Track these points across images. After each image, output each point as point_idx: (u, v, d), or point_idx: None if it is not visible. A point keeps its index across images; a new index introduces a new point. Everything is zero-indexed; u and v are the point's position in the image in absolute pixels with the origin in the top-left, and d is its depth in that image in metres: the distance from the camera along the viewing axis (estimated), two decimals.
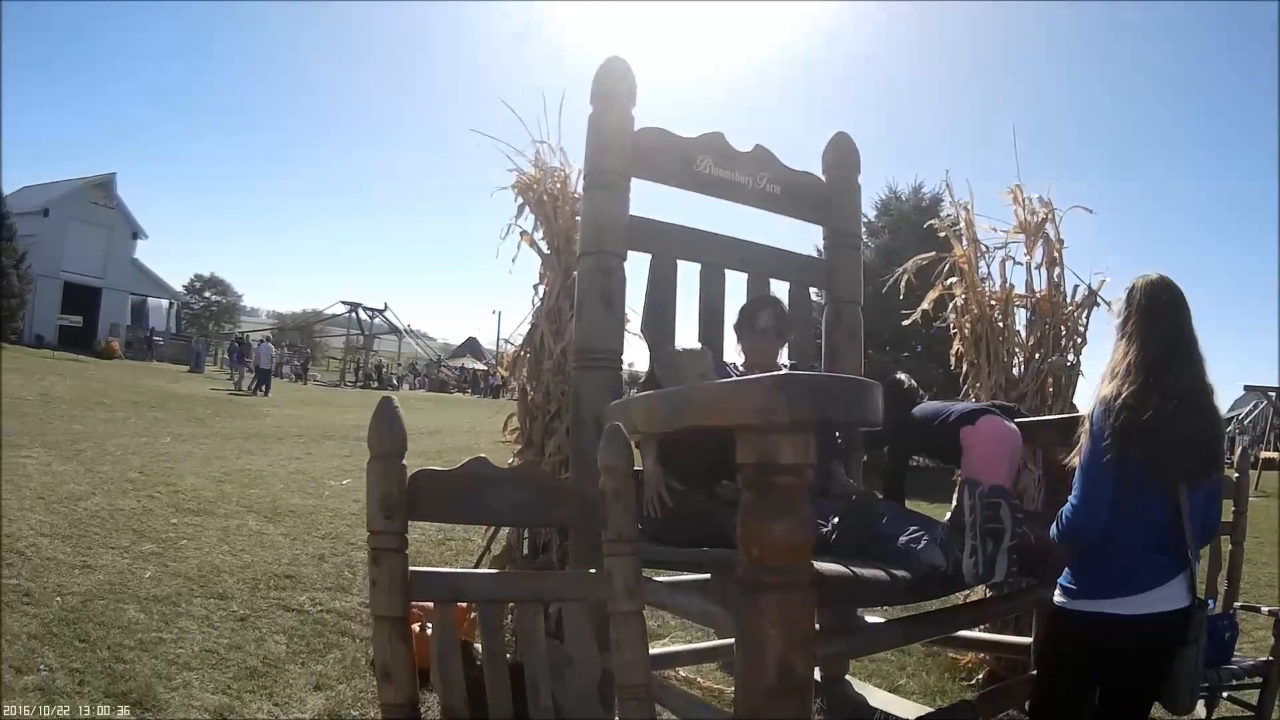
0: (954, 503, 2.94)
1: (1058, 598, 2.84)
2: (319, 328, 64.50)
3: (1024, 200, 5.54)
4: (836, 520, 3.15)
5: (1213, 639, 3.25)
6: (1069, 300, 5.49)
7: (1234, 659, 3.66)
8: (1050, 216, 5.49)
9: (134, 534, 7.03)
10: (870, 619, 3.93)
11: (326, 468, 11.79)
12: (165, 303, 44.05)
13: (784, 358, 4.00)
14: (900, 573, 2.86)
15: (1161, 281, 2.93)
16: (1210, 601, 2.91)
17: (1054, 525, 2.87)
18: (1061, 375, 5.34)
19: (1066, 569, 2.85)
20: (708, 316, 4.15)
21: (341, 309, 55.41)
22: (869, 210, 24.41)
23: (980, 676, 5.04)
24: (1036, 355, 5.35)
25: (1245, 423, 35.06)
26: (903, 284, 5.67)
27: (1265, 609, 4.42)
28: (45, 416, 13.78)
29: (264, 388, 28.54)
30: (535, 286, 4.81)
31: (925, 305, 5.77)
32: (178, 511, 8.08)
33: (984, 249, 5.55)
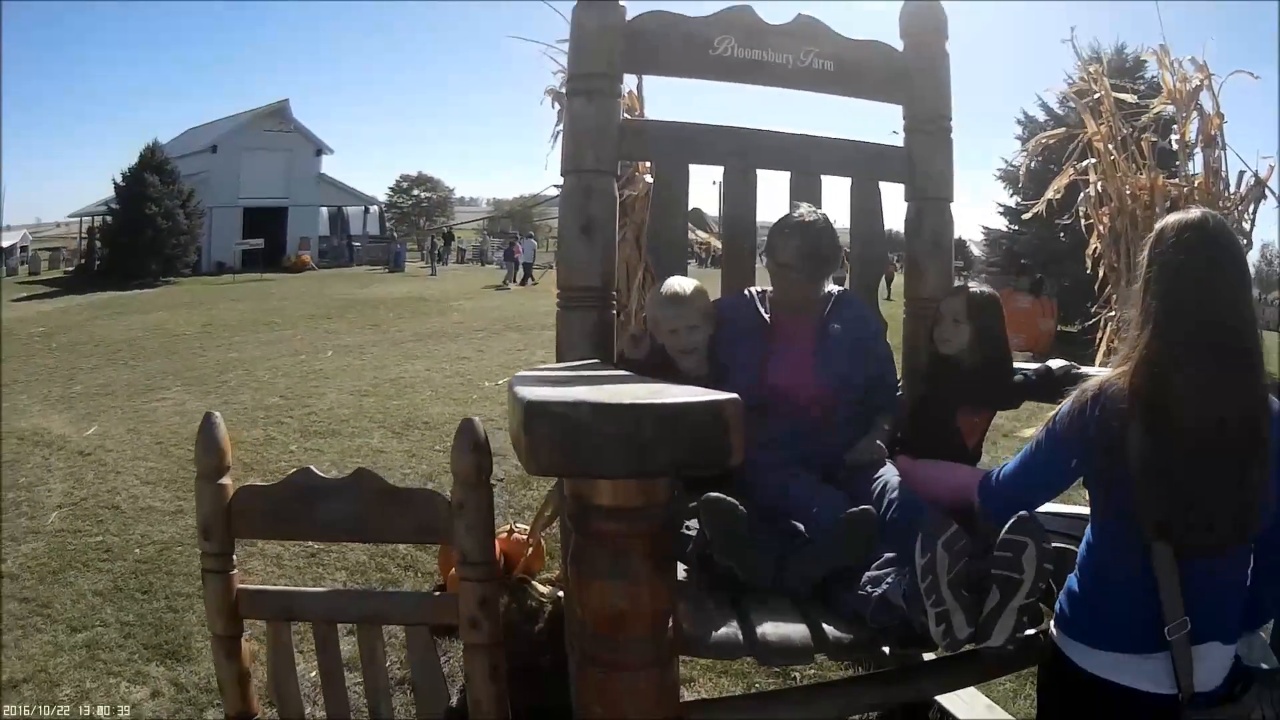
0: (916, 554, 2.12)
1: (1053, 625, 2.14)
2: (538, 211, 64.89)
3: (1171, 64, 4.51)
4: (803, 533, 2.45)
5: None
6: (1231, 190, 4.47)
7: None
8: (1207, 84, 4.45)
9: (243, 468, 6.82)
10: None
11: (492, 366, 11.58)
12: (360, 208, 45.03)
13: (832, 284, 3.20)
14: (838, 634, 2.14)
15: (1205, 225, 2.02)
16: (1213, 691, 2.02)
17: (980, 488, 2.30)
18: None
19: (1069, 578, 2.13)
20: (733, 231, 3.47)
21: (555, 191, 55.42)
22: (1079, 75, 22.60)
23: None
24: None
25: None
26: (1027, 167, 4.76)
27: None
28: (199, 349, 13.80)
29: (530, 279, 30.88)
30: None
31: (1051, 193, 4.80)
32: (304, 435, 8.02)
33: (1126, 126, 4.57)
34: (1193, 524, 1.90)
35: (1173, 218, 2.10)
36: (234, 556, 2.10)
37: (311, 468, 2.10)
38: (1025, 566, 1.99)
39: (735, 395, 1.62)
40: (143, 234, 30.81)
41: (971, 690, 3.28)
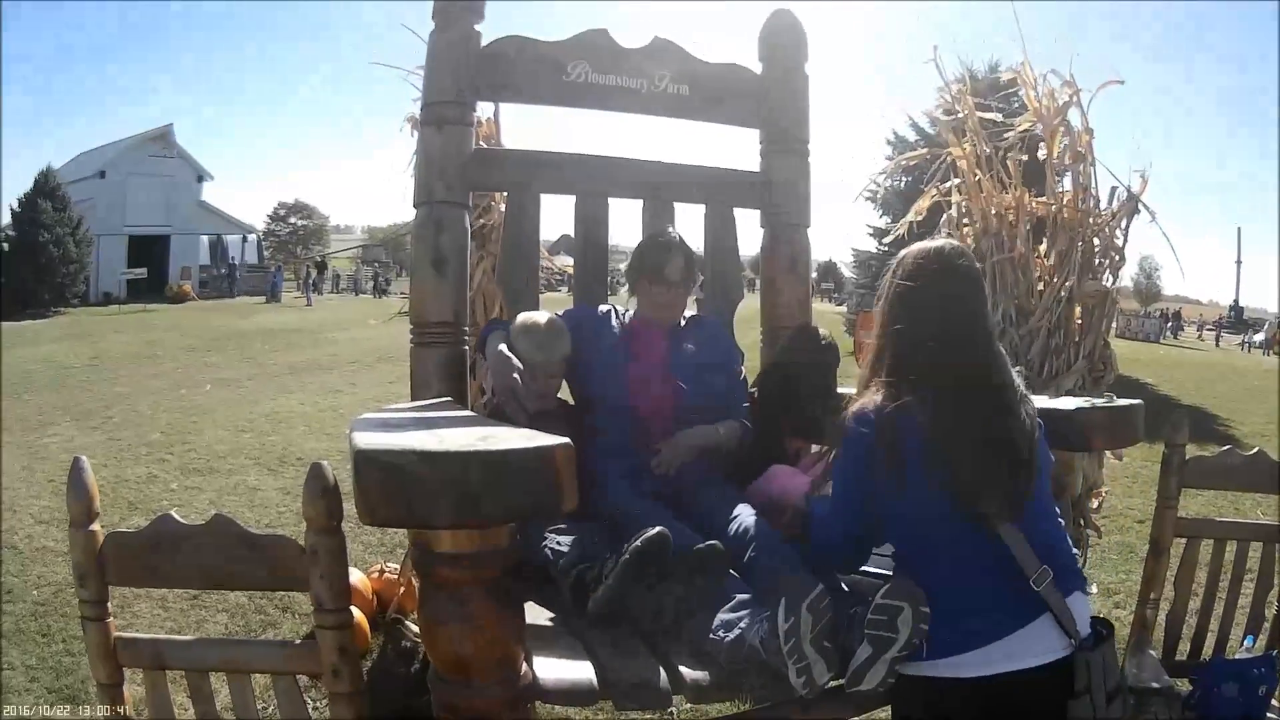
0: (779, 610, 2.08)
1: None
2: (408, 239, 64.47)
3: (1033, 80, 4.62)
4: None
5: (1245, 689, 2.61)
6: (1102, 207, 4.57)
7: (1270, 718, 2.72)
8: (1076, 99, 4.55)
9: (128, 507, 6.81)
10: None
11: (364, 399, 11.57)
12: (239, 237, 44.33)
13: (691, 307, 3.28)
14: (696, 676, 2.12)
15: (942, 252, 2.23)
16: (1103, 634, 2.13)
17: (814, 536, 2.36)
18: (1093, 304, 4.46)
19: None
20: (585, 261, 3.47)
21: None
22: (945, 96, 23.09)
23: None
24: (1056, 277, 4.45)
25: None
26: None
27: None
28: (87, 382, 13.56)
29: None
30: None
31: (912, 215, 4.88)
32: (184, 473, 7.93)
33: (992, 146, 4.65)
34: (996, 494, 2.04)
35: (915, 246, 2.27)
36: (109, 604, 2.06)
37: (172, 514, 2.05)
38: (900, 628, 1.99)
39: (567, 440, 1.61)
40: (35, 262, 30.19)
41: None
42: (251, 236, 46.12)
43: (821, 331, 3.22)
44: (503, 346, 2.83)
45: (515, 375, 2.74)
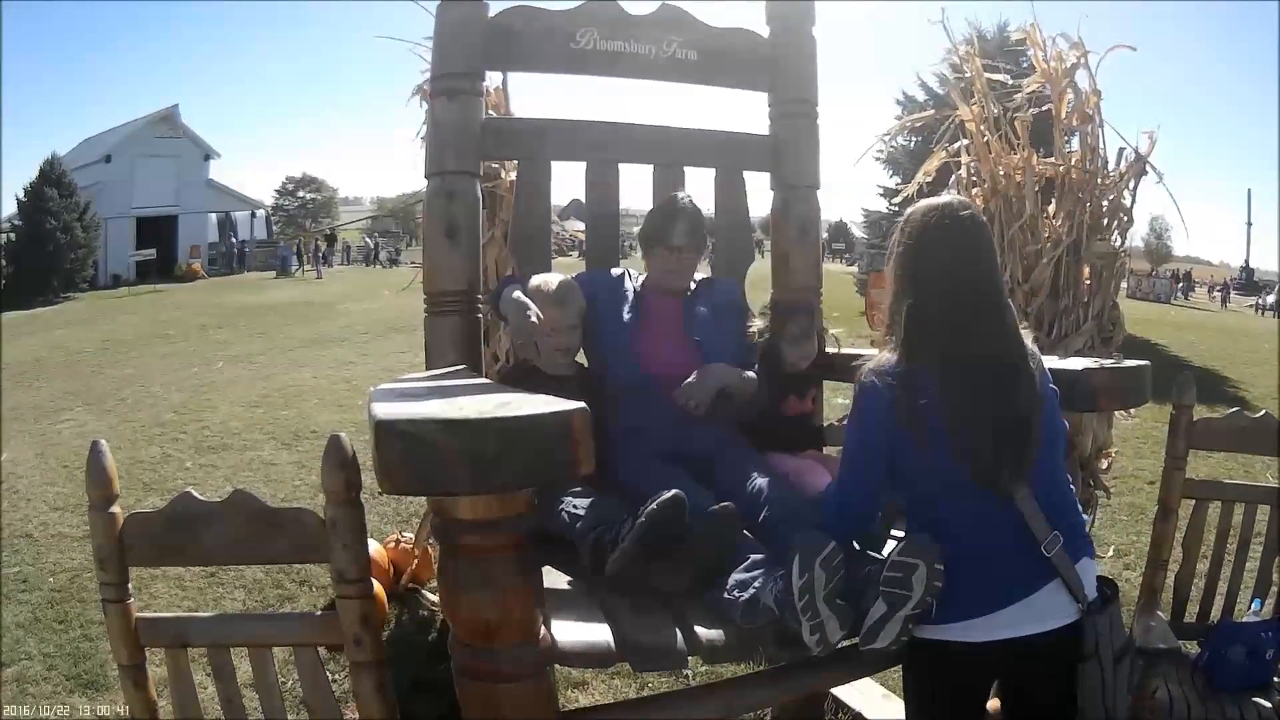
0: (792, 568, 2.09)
1: (918, 625, 2.16)
2: (418, 208, 64.17)
3: (1043, 42, 4.58)
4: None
5: (1252, 653, 2.61)
6: (1111, 168, 4.54)
7: (1276, 681, 2.71)
8: (1083, 61, 4.52)
9: (143, 488, 6.86)
10: None
11: (377, 369, 11.74)
12: (248, 213, 44.44)
13: (704, 270, 3.30)
14: (712, 637, 2.12)
15: (950, 206, 2.24)
16: (1107, 601, 2.16)
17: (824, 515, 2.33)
18: (1102, 265, 4.43)
19: None
20: (597, 225, 3.48)
21: None
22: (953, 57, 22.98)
23: None
24: (1064, 235, 4.42)
25: None
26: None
27: None
28: (99, 365, 13.63)
29: None
30: None
31: (921, 176, 4.85)
32: (198, 451, 8.04)
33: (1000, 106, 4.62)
34: (1006, 468, 2.06)
35: (922, 203, 2.28)
36: (129, 585, 2.06)
37: (191, 491, 2.05)
38: (914, 585, 2.01)
39: (583, 405, 1.62)
40: (43, 249, 30.37)
41: (866, 680, 3.31)
42: (260, 212, 46.32)
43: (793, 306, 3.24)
44: (519, 293, 2.84)
45: (531, 316, 2.75)
